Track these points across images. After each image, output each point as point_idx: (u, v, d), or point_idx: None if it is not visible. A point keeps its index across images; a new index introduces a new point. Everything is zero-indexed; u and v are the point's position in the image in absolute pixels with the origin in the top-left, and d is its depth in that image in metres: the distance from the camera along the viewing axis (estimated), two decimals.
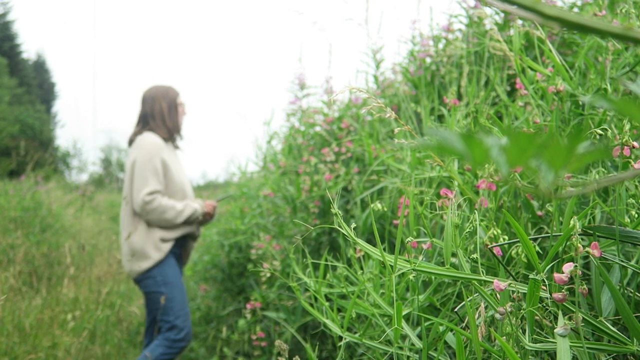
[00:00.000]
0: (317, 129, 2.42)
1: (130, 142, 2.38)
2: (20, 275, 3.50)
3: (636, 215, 0.78)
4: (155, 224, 2.23)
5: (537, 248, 0.81)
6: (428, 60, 2.12)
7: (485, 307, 0.75)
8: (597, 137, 0.79)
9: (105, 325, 2.94)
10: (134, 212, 2.25)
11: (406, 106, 1.80)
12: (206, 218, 2.38)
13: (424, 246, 0.97)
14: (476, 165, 0.21)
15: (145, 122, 2.36)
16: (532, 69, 1.12)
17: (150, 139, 2.28)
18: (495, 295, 0.73)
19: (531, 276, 0.63)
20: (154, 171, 2.21)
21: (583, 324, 0.63)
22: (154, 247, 2.22)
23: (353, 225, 0.81)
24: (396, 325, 0.79)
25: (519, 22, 1.29)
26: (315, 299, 1.07)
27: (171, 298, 2.20)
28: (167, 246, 2.25)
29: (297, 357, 0.97)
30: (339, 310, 1.10)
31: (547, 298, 0.68)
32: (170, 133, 2.38)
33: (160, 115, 2.36)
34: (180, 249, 2.38)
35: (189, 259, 2.53)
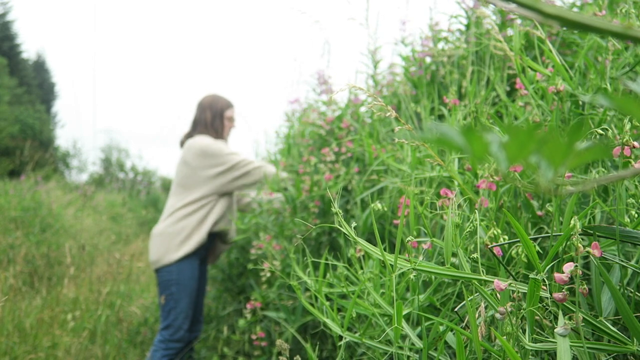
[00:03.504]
0: (317, 128, 2.42)
1: (181, 144, 2.57)
2: (20, 275, 3.50)
3: (636, 215, 0.78)
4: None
5: (537, 248, 0.81)
6: (428, 60, 2.12)
7: (486, 307, 0.75)
8: (598, 136, 0.79)
9: (105, 325, 2.94)
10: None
11: (406, 106, 1.80)
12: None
13: (424, 246, 0.97)
14: (476, 160, 0.21)
15: (194, 127, 2.53)
16: (532, 68, 1.12)
17: (200, 138, 2.44)
18: (496, 295, 0.73)
19: (531, 276, 0.63)
20: (236, 152, 2.42)
21: (583, 324, 0.63)
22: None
23: (353, 224, 0.81)
24: (396, 325, 0.79)
25: (519, 21, 1.30)
26: (316, 298, 1.07)
27: (177, 299, 2.25)
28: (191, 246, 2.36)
29: (297, 357, 0.97)
30: (339, 310, 1.10)
31: (547, 298, 0.68)
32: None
33: (203, 124, 2.49)
34: (207, 250, 2.48)
35: (216, 259, 2.61)
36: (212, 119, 2.50)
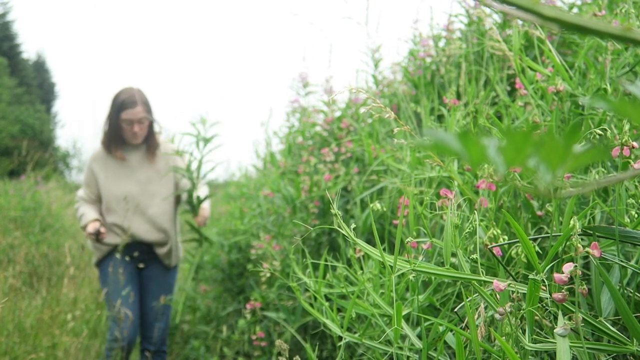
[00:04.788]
0: (317, 128, 2.42)
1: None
2: (20, 275, 3.50)
3: (636, 215, 0.78)
4: None
5: (537, 248, 0.81)
6: (428, 59, 2.12)
7: (485, 307, 0.75)
8: (597, 137, 0.79)
9: (105, 325, 2.94)
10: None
11: (406, 106, 1.80)
12: (91, 237, 2.29)
13: (424, 246, 0.97)
14: (473, 165, 0.21)
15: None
16: (531, 68, 1.12)
17: (94, 150, 2.38)
18: (495, 295, 0.73)
19: (531, 276, 0.63)
20: (84, 179, 2.37)
21: (583, 324, 0.63)
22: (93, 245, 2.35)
23: (353, 225, 0.81)
24: (396, 326, 0.80)
25: (519, 22, 1.29)
26: (315, 299, 1.07)
27: (108, 297, 2.26)
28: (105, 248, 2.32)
29: (297, 357, 0.97)
30: (338, 310, 1.10)
31: (547, 298, 0.68)
32: (107, 147, 2.30)
33: (104, 124, 2.31)
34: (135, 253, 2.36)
35: (176, 260, 2.46)
36: (109, 120, 2.26)
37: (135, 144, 2.31)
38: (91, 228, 2.21)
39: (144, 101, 2.26)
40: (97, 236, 2.20)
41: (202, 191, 2.46)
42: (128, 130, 2.24)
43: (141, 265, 2.37)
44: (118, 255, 2.25)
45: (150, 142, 2.34)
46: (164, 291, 2.43)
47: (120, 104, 2.21)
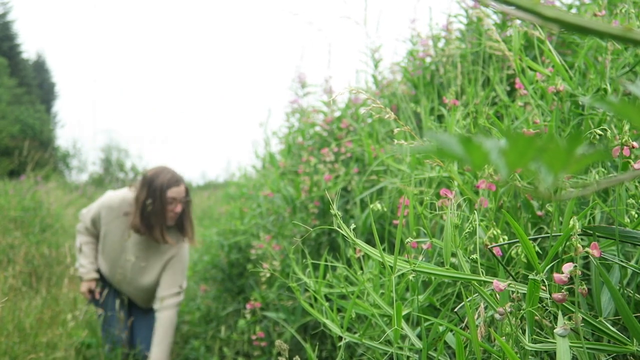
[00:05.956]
0: (317, 129, 2.42)
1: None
2: (20, 275, 3.50)
3: (636, 216, 0.78)
4: None
5: (537, 248, 0.81)
6: (428, 60, 2.12)
7: (485, 308, 0.75)
8: (597, 137, 0.79)
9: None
10: None
11: (405, 106, 1.80)
12: (84, 295, 2.37)
13: (424, 246, 0.97)
14: (475, 169, 0.21)
15: (136, 199, 2.15)
16: (531, 69, 1.12)
17: (110, 195, 2.25)
18: (495, 295, 0.73)
19: (531, 276, 0.63)
20: (92, 211, 2.28)
21: (583, 324, 0.63)
22: None
23: (353, 226, 0.81)
24: (396, 326, 0.80)
25: (518, 22, 1.29)
26: (315, 299, 1.07)
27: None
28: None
29: (297, 357, 0.97)
30: (338, 310, 1.10)
31: (546, 298, 0.68)
32: (146, 228, 2.15)
33: (138, 205, 2.12)
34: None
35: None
36: (147, 199, 2.09)
37: (168, 225, 2.21)
38: (84, 288, 2.31)
39: (184, 181, 2.20)
40: (91, 295, 2.32)
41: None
42: (170, 210, 2.13)
43: None
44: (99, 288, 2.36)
45: (184, 225, 2.24)
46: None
47: (168, 182, 2.10)
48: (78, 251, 2.32)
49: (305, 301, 1.11)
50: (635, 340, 0.62)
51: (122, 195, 2.23)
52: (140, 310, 2.46)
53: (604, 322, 0.65)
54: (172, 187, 2.10)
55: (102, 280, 2.39)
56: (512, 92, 1.62)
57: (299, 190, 2.05)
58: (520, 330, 0.68)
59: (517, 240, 0.74)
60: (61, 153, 20.83)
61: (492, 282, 0.69)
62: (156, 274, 2.29)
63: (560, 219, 0.89)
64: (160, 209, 2.10)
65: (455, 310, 0.87)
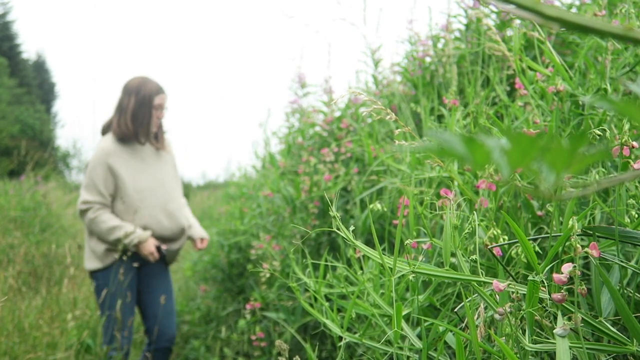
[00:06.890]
0: (317, 129, 2.42)
1: (103, 132, 2.29)
2: (20, 275, 3.50)
3: (636, 216, 0.77)
4: (94, 234, 2.17)
5: (537, 248, 0.81)
6: (427, 60, 2.12)
7: (485, 308, 0.75)
8: (597, 137, 0.79)
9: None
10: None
11: (405, 106, 1.80)
12: (143, 252, 2.15)
13: (424, 246, 0.97)
14: (477, 168, 0.21)
15: (116, 115, 2.20)
16: (531, 69, 1.12)
17: (102, 145, 2.18)
18: (495, 295, 0.73)
19: (530, 277, 0.63)
20: (93, 181, 2.13)
21: (583, 325, 0.63)
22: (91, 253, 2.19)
23: (352, 227, 0.81)
24: (396, 326, 0.79)
25: (517, 22, 1.29)
26: (315, 299, 1.07)
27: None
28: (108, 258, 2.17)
29: (297, 357, 0.97)
30: (338, 310, 1.10)
31: (546, 298, 0.68)
32: (134, 134, 2.19)
33: (124, 112, 2.17)
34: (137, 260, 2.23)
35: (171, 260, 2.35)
36: (137, 106, 2.16)
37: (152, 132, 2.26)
38: (150, 247, 2.12)
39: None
40: (159, 252, 2.17)
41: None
42: (156, 116, 2.21)
43: (135, 264, 2.23)
44: (125, 258, 2.13)
45: (159, 132, 2.31)
46: (167, 286, 2.34)
47: (156, 89, 2.20)
48: (111, 231, 2.10)
49: (305, 301, 1.11)
50: (635, 341, 0.62)
51: (108, 138, 2.22)
52: (150, 296, 2.32)
53: (604, 322, 0.65)
54: (159, 93, 2.21)
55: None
56: (512, 92, 1.62)
57: (298, 191, 2.05)
58: (520, 331, 0.68)
59: (517, 240, 0.74)
60: (61, 153, 20.81)
61: (492, 283, 0.68)
62: (175, 180, 2.35)
63: (561, 219, 0.88)
64: (148, 114, 2.19)
65: (455, 310, 0.87)
